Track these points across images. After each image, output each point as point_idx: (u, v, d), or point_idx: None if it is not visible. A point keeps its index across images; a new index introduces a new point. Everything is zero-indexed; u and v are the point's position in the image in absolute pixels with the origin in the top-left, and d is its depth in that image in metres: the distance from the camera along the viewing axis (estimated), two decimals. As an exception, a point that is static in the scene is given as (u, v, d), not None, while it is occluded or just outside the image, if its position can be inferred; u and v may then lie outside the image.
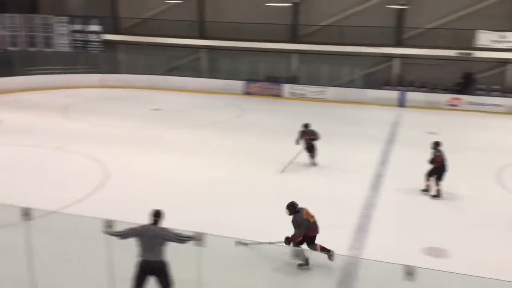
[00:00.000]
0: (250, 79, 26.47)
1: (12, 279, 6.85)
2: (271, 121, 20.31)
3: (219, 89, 26.32)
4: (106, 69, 27.21)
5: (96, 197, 11.09)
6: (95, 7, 28.74)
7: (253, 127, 18.99)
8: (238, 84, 26.32)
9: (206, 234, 5.95)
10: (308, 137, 13.68)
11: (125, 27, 29.56)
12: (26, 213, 5.93)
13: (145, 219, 6.31)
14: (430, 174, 11.61)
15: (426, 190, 11.73)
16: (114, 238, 6.02)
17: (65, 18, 27.69)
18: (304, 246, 7.83)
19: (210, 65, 28.67)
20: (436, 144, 11.79)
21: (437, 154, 11.57)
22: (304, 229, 7.69)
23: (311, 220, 7.89)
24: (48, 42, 27.64)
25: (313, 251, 7.72)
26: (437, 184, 11.47)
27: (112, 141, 16.14)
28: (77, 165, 13.55)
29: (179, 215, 8.64)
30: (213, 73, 27.76)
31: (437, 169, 11.43)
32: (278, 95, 25.82)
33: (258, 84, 26.34)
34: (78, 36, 27.75)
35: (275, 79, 26.39)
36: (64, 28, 27.68)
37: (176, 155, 14.74)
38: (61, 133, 16.91)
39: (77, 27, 27.70)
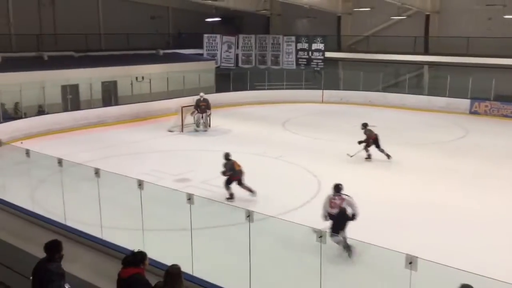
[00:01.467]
0: (477, 98, 24.38)
1: (235, 268, 7.63)
2: (500, 144, 18.33)
3: (441, 107, 24.86)
4: (327, 85, 28.13)
5: (309, 207, 11.52)
6: (320, 27, 30.10)
7: (477, 150, 17.44)
8: (463, 103, 24.48)
9: (417, 257, 5.63)
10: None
11: (348, 45, 30.23)
12: (249, 215, 6.49)
13: (354, 233, 6.29)
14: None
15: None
16: (328, 250, 6.11)
17: (292, 38, 29.67)
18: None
19: (432, 82, 27.33)
20: (364, 125, 16.01)
21: (367, 133, 15.70)
22: (229, 171, 11.73)
23: (237, 168, 11.79)
24: (276, 60, 29.95)
25: None
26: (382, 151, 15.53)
27: (326, 155, 16.59)
28: (294, 175, 14.30)
29: (384, 235, 8.41)
30: (435, 91, 26.36)
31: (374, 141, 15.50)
32: (509, 116, 23.21)
33: (486, 103, 24.09)
34: (303, 54, 29.41)
35: (507, 98, 23.77)
36: (291, 47, 29.66)
37: (385, 172, 14.41)
38: (282, 144, 18.05)
39: (303, 45, 29.39)
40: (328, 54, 28.92)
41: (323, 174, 14.04)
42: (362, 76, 27.49)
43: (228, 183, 11.84)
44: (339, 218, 8.84)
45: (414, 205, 11.67)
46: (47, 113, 20.20)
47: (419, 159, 16.10)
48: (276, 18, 32.91)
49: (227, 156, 12.11)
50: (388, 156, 15.57)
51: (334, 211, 9.02)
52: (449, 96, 25.11)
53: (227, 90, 27.29)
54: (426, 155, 16.57)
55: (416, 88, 27.15)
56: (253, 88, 28.14)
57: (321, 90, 27.86)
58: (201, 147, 17.93)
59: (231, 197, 11.72)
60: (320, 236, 6.08)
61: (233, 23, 33.21)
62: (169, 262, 5.54)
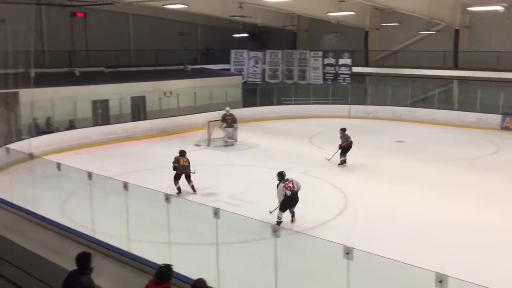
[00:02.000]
0: (508, 113, 23.85)
1: (261, 283, 7.59)
2: (533, 161, 17.87)
3: (472, 123, 24.40)
4: (354, 100, 27.98)
5: (336, 222, 11.43)
6: (347, 42, 30.07)
7: (508, 167, 17.00)
8: (494, 118, 23.96)
9: (447, 276, 5.50)
10: None
11: (375, 60, 30.09)
12: (275, 230, 6.48)
13: (384, 251, 6.20)
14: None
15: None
16: (355, 266, 6.03)
17: (319, 53, 29.70)
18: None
19: (462, 97, 26.89)
20: (343, 130, 17.00)
21: (342, 138, 16.76)
22: (175, 168, 13.42)
23: (182, 164, 13.42)
24: (303, 75, 30.00)
25: None
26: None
27: (352, 170, 16.45)
28: (320, 190, 14.21)
29: (412, 252, 8.24)
30: (465, 106, 25.91)
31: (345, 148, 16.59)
32: (543, 132, 22.64)
33: (518, 118, 23.55)
34: (330, 69, 29.39)
35: (540, 114, 23.22)
36: (318, 62, 29.68)
37: (417, 189, 14.17)
38: (308, 159, 17.99)
39: (330, 60, 29.38)
40: (356, 69, 28.81)
41: (350, 189, 13.93)
42: (390, 91, 27.25)
43: (176, 178, 13.53)
44: (292, 198, 11.13)
45: (443, 222, 11.43)
46: (78, 128, 20.64)
47: (448, 175, 15.81)
48: (303, 34, 33.04)
49: (181, 152, 13.83)
50: (342, 162, 16.71)
51: (289, 193, 11.10)
52: (479, 112, 24.64)
53: (253, 105, 27.41)
54: (456, 172, 16.25)
55: (445, 103, 26.74)
56: (279, 103, 28.20)
57: (348, 105, 27.72)
58: (228, 161, 18.01)
59: (179, 191, 13.39)
60: (347, 253, 6.01)
61: (260, 38, 33.48)
62: (195, 276, 5.56)
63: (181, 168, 13.52)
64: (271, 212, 11.25)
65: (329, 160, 16.97)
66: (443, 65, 26.78)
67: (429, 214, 12.02)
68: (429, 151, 19.67)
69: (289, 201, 11.12)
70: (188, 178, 13.56)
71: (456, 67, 26.78)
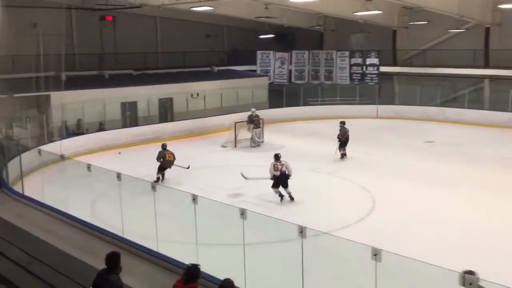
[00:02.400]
0: (542, 113, 23.22)
1: (287, 284, 7.62)
2: None
3: (504, 122, 23.80)
4: (382, 100, 27.65)
5: (364, 224, 11.32)
6: (375, 41, 29.72)
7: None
8: (528, 118, 23.35)
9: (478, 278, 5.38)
10: None
11: (403, 59, 29.68)
12: (302, 231, 6.45)
13: (413, 253, 6.10)
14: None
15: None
16: (383, 268, 5.96)
17: (346, 53, 29.47)
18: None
19: (494, 96, 26.29)
20: (342, 123, 18.02)
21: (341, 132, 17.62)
22: (160, 160, 14.90)
23: (168, 158, 14.86)
24: (329, 75, 29.81)
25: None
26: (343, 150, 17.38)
27: (381, 170, 16.26)
28: (348, 191, 14.11)
29: (443, 256, 8.08)
30: (497, 105, 25.32)
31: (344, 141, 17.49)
32: None
33: (552, 118, 22.90)
34: (357, 69, 29.12)
35: None
36: (345, 62, 29.45)
37: (447, 190, 13.90)
38: (335, 160, 17.87)
39: (356, 60, 29.12)
40: (383, 69, 28.48)
41: (378, 190, 13.78)
42: (418, 90, 26.83)
43: (160, 169, 15.02)
44: (281, 178, 12.84)
45: (477, 225, 11.19)
46: (107, 130, 20.99)
47: (481, 176, 15.47)
48: (329, 34, 32.83)
49: (163, 146, 15.39)
50: (342, 155, 17.66)
51: (277, 173, 12.80)
52: (512, 111, 24.04)
53: (280, 106, 27.37)
54: (489, 172, 15.90)
55: (476, 103, 26.18)
56: (306, 104, 28.08)
57: (376, 105, 27.41)
58: (254, 162, 18.02)
59: (157, 180, 14.55)
60: (375, 254, 5.94)
61: (286, 39, 33.42)
62: (222, 277, 5.58)
63: (167, 162, 15.03)
64: (244, 176, 13.96)
65: (336, 153, 17.67)
66: (473, 64, 26.20)
67: (462, 217, 11.79)
68: (461, 151, 19.29)
69: (278, 180, 12.93)
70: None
71: (487, 65, 26.20)
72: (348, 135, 17.83)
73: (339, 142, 17.83)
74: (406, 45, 29.68)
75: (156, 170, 14.94)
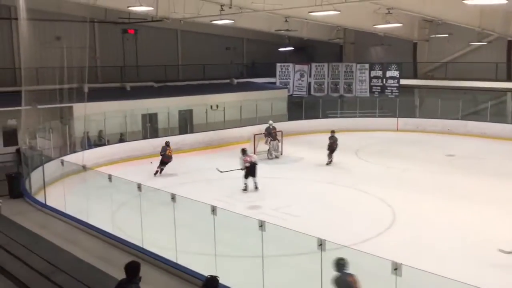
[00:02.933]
0: None
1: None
2: None
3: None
4: (402, 113, 27.45)
5: (383, 238, 11.20)
6: (395, 54, 29.61)
7: None
8: (552, 132, 22.93)
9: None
10: None
11: (424, 72, 29.48)
12: (321, 244, 6.43)
13: (434, 267, 6.03)
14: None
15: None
16: (403, 282, 5.90)
17: (366, 65, 29.40)
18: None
19: (517, 110, 25.91)
20: (332, 132, 19.42)
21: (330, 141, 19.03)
22: (161, 153, 17.37)
23: (168, 153, 17.30)
24: (349, 88, 29.75)
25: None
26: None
27: (401, 184, 16.11)
28: (367, 205, 13.99)
29: (464, 271, 7.94)
30: (520, 119, 24.95)
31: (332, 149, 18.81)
32: None
33: None
34: (376, 82, 29.00)
35: None
36: (364, 75, 29.36)
37: (468, 205, 13.70)
38: (353, 172, 17.77)
39: (376, 73, 29.01)
40: (404, 82, 28.29)
41: (398, 204, 13.64)
42: (440, 103, 26.58)
43: (161, 163, 17.45)
44: (252, 168, 15.15)
45: (499, 241, 10.98)
46: (128, 141, 21.23)
47: (504, 190, 15.20)
48: (349, 46, 32.80)
49: (166, 142, 17.75)
50: (328, 162, 18.85)
51: (248, 164, 14.99)
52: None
53: (299, 118, 27.38)
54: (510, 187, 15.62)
55: (498, 116, 25.80)
56: (325, 116, 28.02)
57: (396, 118, 27.22)
58: (273, 174, 18.02)
59: (156, 173, 17.34)
60: (395, 269, 5.89)
61: (305, 51, 33.50)
62: (240, 289, 5.58)
63: (167, 157, 17.29)
64: (219, 171, 15.84)
65: (327, 164, 18.88)
66: (495, 77, 25.90)
67: (484, 232, 11.59)
68: (483, 165, 19.00)
69: (250, 171, 15.16)
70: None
71: (509, 79, 25.86)
72: (337, 144, 19.13)
73: (328, 150, 18.99)
74: (427, 58, 29.49)
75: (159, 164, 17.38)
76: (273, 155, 20.59)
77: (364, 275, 8.35)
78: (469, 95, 26.97)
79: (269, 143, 20.64)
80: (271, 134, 20.67)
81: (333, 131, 19.62)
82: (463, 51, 27.86)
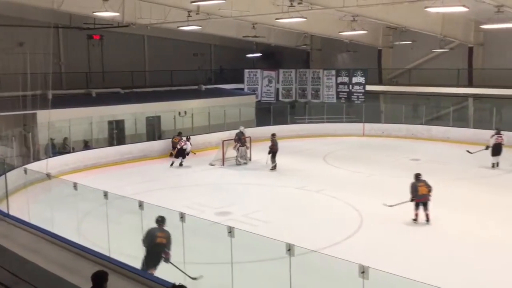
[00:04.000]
0: (525, 130, 23.56)
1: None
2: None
3: (489, 140, 24.12)
4: (368, 118, 27.93)
5: (351, 241, 11.34)
6: (361, 60, 30.16)
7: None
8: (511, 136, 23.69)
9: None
10: None
11: (389, 78, 30.10)
12: (290, 249, 6.46)
13: (401, 270, 6.14)
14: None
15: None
16: (371, 285, 5.99)
17: (332, 72, 29.81)
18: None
19: (478, 115, 26.70)
20: (273, 135, 19.63)
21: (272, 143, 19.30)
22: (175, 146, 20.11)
23: (176, 144, 20.23)
24: (316, 94, 30.09)
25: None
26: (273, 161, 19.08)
27: (367, 188, 16.36)
28: (335, 209, 14.15)
29: (430, 272, 8.13)
30: (481, 123, 25.70)
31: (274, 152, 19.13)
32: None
33: (536, 135, 23.22)
34: (343, 88, 29.43)
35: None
36: (331, 81, 29.76)
37: (433, 207, 13.98)
38: (321, 177, 17.95)
39: (343, 79, 29.45)
40: (369, 87, 28.81)
41: (365, 208, 13.84)
42: (404, 109, 27.17)
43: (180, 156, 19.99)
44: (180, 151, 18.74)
45: (462, 241, 11.29)
46: (94, 148, 20.89)
47: (466, 193, 15.64)
48: (316, 53, 33.22)
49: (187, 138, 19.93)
50: (272, 167, 19.06)
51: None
52: (496, 129, 24.36)
53: (267, 124, 27.48)
54: (474, 190, 16.09)
55: (460, 121, 26.56)
56: (293, 122, 28.25)
57: (362, 123, 27.67)
58: (242, 180, 18.05)
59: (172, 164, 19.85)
60: (363, 272, 5.98)
61: (273, 58, 33.74)
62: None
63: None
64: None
65: (271, 169, 19.10)
66: (457, 83, 26.67)
67: (447, 233, 11.88)
68: (446, 169, 19.48)
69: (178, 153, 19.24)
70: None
71: (470, 84, 26.66)
72: (277, 147, 19.35)
73: (270, 154, 19.22)
74: (391, 64, 30.14)
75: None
76: (241, 161, 20.59)
77: (332, 279, 8.45)
78: (432, 100, 27.68)
79: (238, 149, 20.64)
80: (240, 140, 20.68)
81: (273, 134, 19.82)
82: (426, 58, 28.58)
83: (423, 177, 12.84)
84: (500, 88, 24.51)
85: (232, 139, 20.88)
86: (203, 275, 7.71)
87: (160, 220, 8.61)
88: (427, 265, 9.75)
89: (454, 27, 24.76)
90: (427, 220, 12.40)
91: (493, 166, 19.01)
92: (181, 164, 19.96)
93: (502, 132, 19.41)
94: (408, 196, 12.55)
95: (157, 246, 8.46)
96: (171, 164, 19.96)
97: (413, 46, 28.08)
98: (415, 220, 12.51)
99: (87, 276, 5.69)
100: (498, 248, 10.89)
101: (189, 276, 8.01)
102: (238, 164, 20.48)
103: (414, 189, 12.33)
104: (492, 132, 19.67)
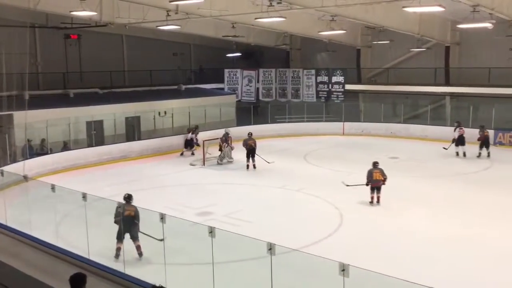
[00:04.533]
0: (501, 128, 24.05)
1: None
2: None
3: (465, 138, 24.54)
4: (348, 117, 28.13)
5: (332, 240, 11.43)
6: (340, 60, 30.36)
7: (501, 181, 17.10)
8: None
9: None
10: None
11: (367, 77, 30.37)
12: (270, 248, 6.47)
13: (380, 267, 6.20)
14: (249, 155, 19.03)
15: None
16: (351, 283, 6.03)
17: (312, 71, 29.97)
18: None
19: (455, 113, 27.13)
20: (249, 134, 19.88)
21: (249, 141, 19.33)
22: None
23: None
24: (296, 93, 30.21)
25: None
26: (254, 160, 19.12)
27: (346, 187, 16.48)
28: (316, 208, 14.23)
29: (408, 269, 8.23)
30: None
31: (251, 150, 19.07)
32: (535, 146, 22.81)
33: (511, 133, 23.72)
34: (323, 87, 29.61)
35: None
36: (311, 80, 29.91)
37: (411, 205, 14.21)
38: (303, 177, 18.02)
39: (323, 78, 29.63)
40: (348, 87, 29.04)
41: (345, 206, 13.95)
42: (383, 108, 27.45)
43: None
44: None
45: (439, 238, 11.45)
46: (72, 149, 20.61)
47: (443, 190, 15.87)
48: (296, 52, 33.34)
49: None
50: (249, 166, 19.11)
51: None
52: (472, 127, 24.82)
53: (248, 123, 27.47)
54: (450, 187, 16.33)
55: (438, 120, 26.95)
56: (273, 121, 28.31)
57: (342, 123, 27.87)
58: (223, 180, 18.02)
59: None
60: (343, 270, 6.02)
61: (253, 57, 33.75)
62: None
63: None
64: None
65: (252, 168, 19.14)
66: (434, 82, 27.07)
67: (425, 230, 12.04)
68: (424, 167, 19.76)
69: None
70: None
71: (447, 83, 27.06)
72: (253, 148, 19.37)
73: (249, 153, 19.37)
74: (370, 64, 30.43)
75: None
76: (226, 161, 20.61)
77: (313, 277, 8.50)
78: (410, 99, 28.02)
79: (226, 149, 20.68)
80: (227, 141, 20.72)
81: (250, 133, 20.18)
82: (404, 57, 28.91)
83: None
84: (476, 87, 24.94)
85: (213, 139, 20.86)
86: (166, 236, 8.07)
87: (127, 197, 10.04)
88: (406, 262, 9.87)
89: (431, 27, 25.11)
90: (378, 202, 14.15)
91: (457, 155, 21.08)
92: (192, 153, 22.03)
93: (462, 125, 21.75)
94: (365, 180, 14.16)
95: (126, 218, 9.62)
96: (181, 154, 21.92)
97: (391, 45, 28.39)
98: (371, 202, 14.16)
99: (66, 279, 5.62)
100: (475, 245, 11.07)
101: (155, 238, 8.78)
102: (220, 163, 20.44)
103: (369, 174, 14.14)
104: (454, 126, 21.89)
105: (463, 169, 19.00)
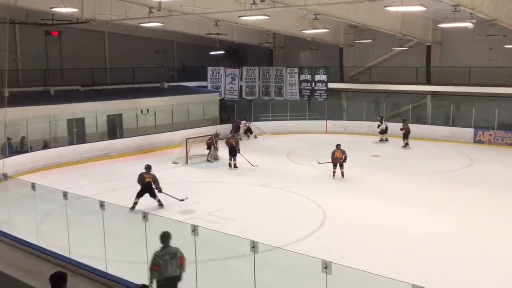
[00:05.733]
0: (481, 127, 24.43)
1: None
2: (504, 173, 18.29)
3: (445, 136, 24.92)
4: (331, 115, 28.27)
5: (314, 237, 11.48)
6: (323, 58, 30.49)
7: (482, 179, 17.38)
8: (467, 132, 24.51)
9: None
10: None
11: (350, 76, 30.55)
12: (254, 246, 6.47)
13: (362, 264, 6.25)
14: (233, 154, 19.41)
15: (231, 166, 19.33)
16: (333, 280, 6.07)
17: (295, 69, 30.04)
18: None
19: (436, 112, 27.48)
20: (232, 132, 21.55)
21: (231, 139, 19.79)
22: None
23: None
24: (279, 91, 30.26)
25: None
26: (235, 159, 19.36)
27: (330, 185, 16.59)
28: (299, 206, 14.29)
29: (390, 266, 8.30)
30: (439, 120, 26.50)
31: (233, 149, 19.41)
32: (514, 145, 23.22)
33: (490, 132, 24.12)
34: (306, 85, 29.71)
35: (511, 127, 23.81)
36: (294, 78, 29.99)
37: (392, 203, 14.35)
38: (285, 175, 18.07)
39: (306, 77, 29.72)
40: (331, 85, 29.19)
41: (328, 204, 14.04)
42: (365, 106, 27.65)
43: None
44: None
45: (421, 235, 11.59)
46: (53, 147, 20.35)
47: (424, 189, 16.06)
48: (279, 50, 33.38)
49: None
50: (232, 165, 19.31)
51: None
52: (453, 126, 25.17)
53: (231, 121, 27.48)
54: (431, 185, 16.52)
55: (419, 118, 27.25)
56: (257, 119, 28.32)
57: (325, 121, 28.01)
58: (206, 178, 17.98)
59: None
60: (326, 267, 6.05)
61: (236, 55, 33.68)
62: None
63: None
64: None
65: (234, 167, 19.35)
66: (416, 81, 27.35)
67: (407, 228, 12.17)
68: (405, 165, 19.97)
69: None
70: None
71: (428, 82, 27.37)
72: (233, 147, 19.56)
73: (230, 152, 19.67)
74: (352, 62, 30.61)
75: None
76: (212, 159, 20.65)
77: (296, 275, 8.53)
78: (392, 98, 28.26)
79: (213, 148, 20.75)
80: (216, 140, 20.80)
81: (232, 131, 21.15)
82: (386, 56, 29.16)
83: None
84: (457, 86, 25.27)
85: (196, 137, 20.81)
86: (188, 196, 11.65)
87: (147, 167, 13.84)
88: (388, 260, 9.97)
89: (412, 26, 25.36)
90: (342, 176, 17.13)
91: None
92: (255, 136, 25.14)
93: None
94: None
95: (146, 183, 13.49)
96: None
97: (373, 44, 28.61)
98: (333, 176, 17.18)
99: (47, 278, 5.55)
100: (454, 242, 11.23)
101: (177, 199, 13.80)
102: (210, 161, 20.51)
103: (332, 153, 17.22)
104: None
105: (444, 167, 19.24)
